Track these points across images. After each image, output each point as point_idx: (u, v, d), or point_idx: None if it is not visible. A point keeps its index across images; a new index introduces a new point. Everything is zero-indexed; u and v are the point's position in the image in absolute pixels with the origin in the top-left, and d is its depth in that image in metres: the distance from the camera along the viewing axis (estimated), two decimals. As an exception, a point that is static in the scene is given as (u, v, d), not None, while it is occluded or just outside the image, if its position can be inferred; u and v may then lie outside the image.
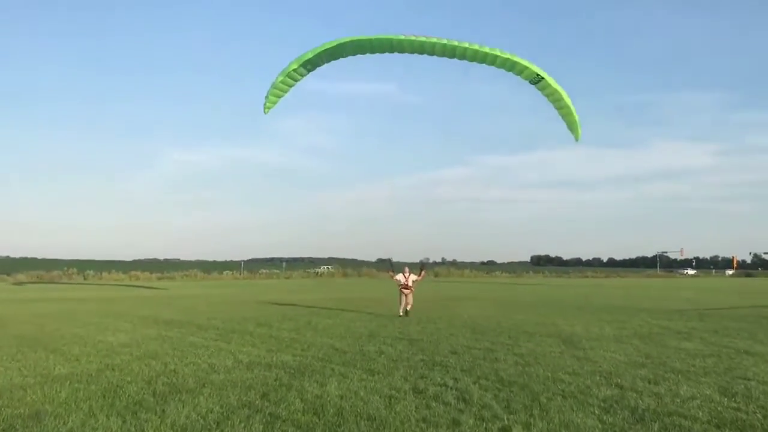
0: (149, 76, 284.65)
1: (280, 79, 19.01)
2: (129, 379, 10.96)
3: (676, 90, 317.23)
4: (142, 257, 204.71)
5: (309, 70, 19.19)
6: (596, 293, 47.45)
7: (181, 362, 12.81)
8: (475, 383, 10.64)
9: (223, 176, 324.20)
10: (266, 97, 19.63)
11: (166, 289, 54.70)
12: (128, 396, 9.54)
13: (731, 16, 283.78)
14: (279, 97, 19.82)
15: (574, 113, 21.31)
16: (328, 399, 9.32)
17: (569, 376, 11.33)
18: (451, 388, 10.20)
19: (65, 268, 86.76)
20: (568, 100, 20.97)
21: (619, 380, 10.87)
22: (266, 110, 20.00)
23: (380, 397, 9.51)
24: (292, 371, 11.77)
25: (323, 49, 18.39)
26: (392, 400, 9.32)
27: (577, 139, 22.12)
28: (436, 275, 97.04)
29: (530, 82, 20.39)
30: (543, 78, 20.15)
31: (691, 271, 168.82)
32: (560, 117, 21.56)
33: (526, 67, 19.72)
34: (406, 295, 24.33)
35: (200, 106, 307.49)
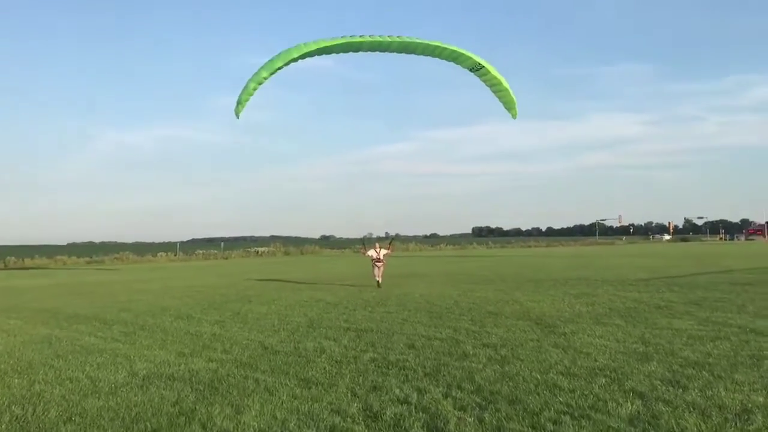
0: (83, 54, 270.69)
1: (252, 86, 19.86)
2: (-35, 412, 7.82)
3: (608, 63, 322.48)
4: (77, 240, 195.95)
5: (273, 74, 20.00)
6: (547, 264, 45.69)
7: (56, 378, 9.70)
8: (446, 396, 7.95)
9: (160, 156, 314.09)
10: (239, 103, 20.32)
11: (110, 269, 50.13)
12: (-57, 448, 6.45)
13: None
14: (248, 100, 20.64)
15: (512, 95, 23.05)
16: (243, 439, 6.45)
17: (565, 378, 8.75)
18: (416, 407, 7.48)
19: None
20: (506, 84, 22.65)
21: (633, 383, 8.34)
22: (239, 114, 20.69)
23: (317, 430, 6.70)
24: (202, 387, 8.82)
25: (290, 57, 19.34)
26: (335, 434, 6.52)
27: (514, 117, 24.15)
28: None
29: (471, 70, 22.11)
30: (483, 66, 21.76)
31: (666, 237, 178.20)
32: (498, 99, 23.43)
33: (469, 58, 21.35)
34: (378, 268, 26.27)
35: (134, 85, 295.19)
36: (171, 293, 25.36)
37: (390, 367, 9.83)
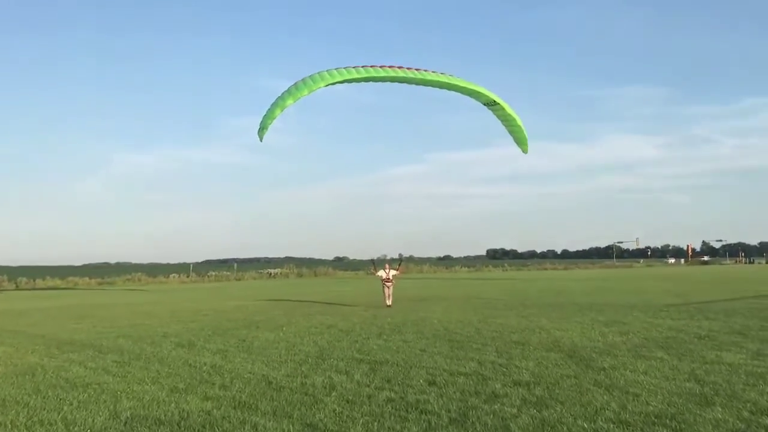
0: (96, 77, 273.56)
1: (277, 111, 20.54)
2: None
3: (622, 85, 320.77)
4: (92, 261, 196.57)
5: (296, 101, 20.61)
6: (568, 288, 44.10)
7: (26, 420, 8.48)
8: (478, 452, 6.64)
9: (175, 177, 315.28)
10: (263, 128, 20.98)
11: (121, 290, 48.92)
12: None
13: (675, 12, 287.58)
14: (271, 124, 21.33)
15: (525, 132, 24.21)
16: None
17: (617, 428, 7.41)
18: (443, 467, 6.17)
19: (-7, 275, 79.57)
20: (519, 122, 23.79)
21: (701, 436, 7.00)
22: (262, 138, 21.39)
23: (324, 499, 5.43)
24: (191, 434, 7.58)
25: (316, 85, 20.13)
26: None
27: (525, 152, 25.31)
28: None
29: (486, 105, 23.14)
30: (497, 103, 22.88)
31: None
32: (509, 133, 24.61)
33: (484, 94, 22.62)
34: (388, 288, 26.88)
35: (148, 107, 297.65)
36: (176, 317, 24.19)
37: (409, 410, 8.54)
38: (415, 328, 18.37)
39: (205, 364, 12.85)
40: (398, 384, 10.35)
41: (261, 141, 21.60)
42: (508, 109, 23.40)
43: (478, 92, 22.62)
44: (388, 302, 26.51)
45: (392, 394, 9.57)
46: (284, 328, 19.15)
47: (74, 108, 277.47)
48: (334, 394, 9.69)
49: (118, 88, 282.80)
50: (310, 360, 13.04)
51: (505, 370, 11.44)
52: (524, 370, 11.34)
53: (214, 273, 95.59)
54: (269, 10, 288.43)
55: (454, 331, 17.61)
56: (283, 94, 20.53)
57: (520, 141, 24.90)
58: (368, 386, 10.24)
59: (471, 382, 10.40)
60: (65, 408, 9.10)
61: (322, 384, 10.47)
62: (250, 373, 11.72)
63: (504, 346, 14.53)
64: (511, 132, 24.63)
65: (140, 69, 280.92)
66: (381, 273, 27.52)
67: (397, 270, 28.48)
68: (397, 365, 12.16)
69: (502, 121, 24.14)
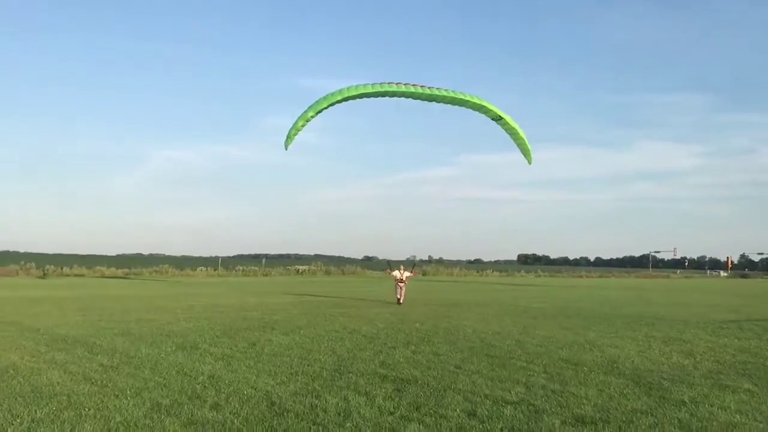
0: (135, 72, 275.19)
1: (301, 123, 23.45)
2: None
3: (660, 92, 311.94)
4: (127, 252, 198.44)
5: (318, 113, 23.51)
6: (609, 297, 41.51)
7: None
8: None
9: (212, 173, 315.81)
10: (288, 137, 23.97)
11: (144, 280, 47.48)
12: None
13: (716, 17, 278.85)
14: (296, 135, 24.15)
15: (528, 144, 26.82)
16: None
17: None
18: None
19: (22, 262, 79.32)
20: (522, 134, 26.26)
21: None
22: (287, 147, 24.59)
23: None
24: (152, 481, 5.64)
25: (334, 99, 22.83)
26: None
27: (530, 163, 27.86)
28: (424, 274, 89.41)
29: (492, 119, 25.16)
30: (502, 117, 25.05)
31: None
32: (516, 146, 27.21)
33: (490, 109, 24.70)
34: (401, 288, 29.18)
35: (185, 102, 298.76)
36: (189, 313, 22.43)
37: (444, 455, 6.51)
38: (448, 338, 16.31)
39: (202, 373, 10.96)
40: (429, 413, 8.32)
41: (286, 150, 24.62)
42: (512, 123, 25.34)
43: (485, 106, 24.29)
44: (400, 299, 28.78)
45: (422, 428, 7.56)
46: (302, 331, 17.22)
47: (114, 103, 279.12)
48: (349, 424, 7.71)
49: (157, 84, 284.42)
50: (325, 374, 11.07)
51: (560, 399, 9.33)
52: (584, 401, 9.22)
53: (241, 267, 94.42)
54: (309, 10, 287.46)
55: (491, 343, 15.49)
56: (307, 108, 23.14)
57: (525, 152, 27.10)
58: (392, 414, 8.24)
59: (521, 415, 8.32)
60: (9, 430, 7.25)
61: (335, 408, 8.49)
62: (252, 387, 9.79)
63: (553, 365, 12.39)
64: (517, 145, 26.86)
65: (180, 64, 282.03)
66: (395, 273, 29.95)
67: (410, 272, 30.97)
68: (427, 386, 10.12)
69: (508, 134, 26.20)
